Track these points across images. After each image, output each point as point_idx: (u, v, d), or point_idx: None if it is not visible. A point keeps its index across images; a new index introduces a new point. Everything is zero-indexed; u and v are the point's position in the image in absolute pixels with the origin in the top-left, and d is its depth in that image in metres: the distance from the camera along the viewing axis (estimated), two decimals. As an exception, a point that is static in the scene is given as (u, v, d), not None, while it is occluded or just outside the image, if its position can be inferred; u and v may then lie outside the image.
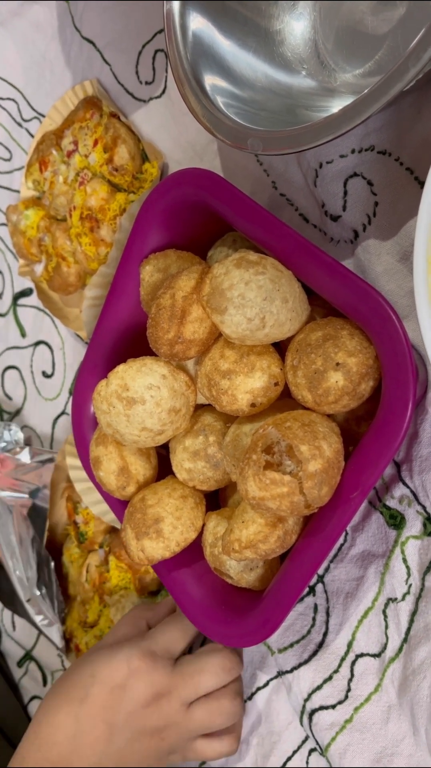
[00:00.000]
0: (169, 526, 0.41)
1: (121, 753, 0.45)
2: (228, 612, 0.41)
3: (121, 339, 0.46)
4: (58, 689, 0.47)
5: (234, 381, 0.37)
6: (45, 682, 0.68)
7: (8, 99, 0.66)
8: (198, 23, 0.40)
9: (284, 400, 0.39)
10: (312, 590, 0.46)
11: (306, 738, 0.46)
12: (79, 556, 0.61)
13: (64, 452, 0.60)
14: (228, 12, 0.40)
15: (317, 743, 0.45)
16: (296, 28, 0.41)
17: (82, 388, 0.48)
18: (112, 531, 0.58)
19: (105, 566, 0.58)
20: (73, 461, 0.58)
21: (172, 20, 0.40)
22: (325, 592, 0.45)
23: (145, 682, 0.45)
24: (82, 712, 0.45)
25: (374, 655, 0.43)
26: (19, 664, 0.71)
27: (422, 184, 0.38)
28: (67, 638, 0.62)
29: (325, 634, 0.45)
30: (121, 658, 0.45)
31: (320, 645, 0.45)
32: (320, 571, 0.45)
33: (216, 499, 0.47)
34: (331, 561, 0.45)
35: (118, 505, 0.46)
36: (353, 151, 0.41)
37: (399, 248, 0.40)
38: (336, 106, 0.38)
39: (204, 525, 0.42)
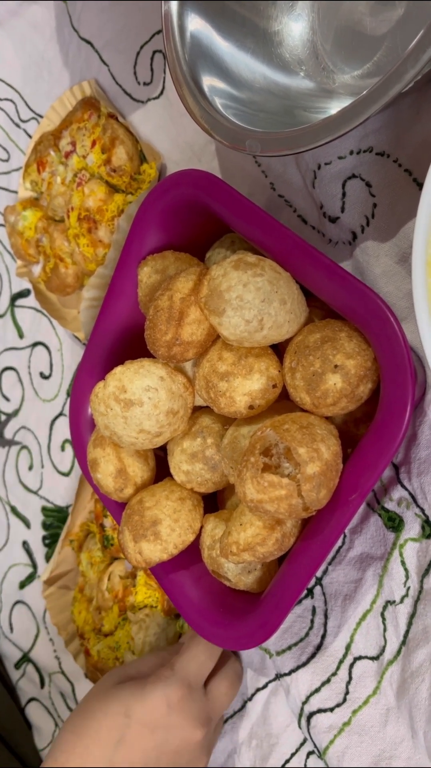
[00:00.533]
0: (166, 528, 0.41)
1: None
2: (226, 614, 0.41)
3: (119, 340, 0.46)
4: (81, 728, 0.41)
5: (232, 383, 0.37)
6: (42, 684, 0.68)
7: (6, 99, 0.65)
8: (196, 24, 0.40)
9: (282, 402, 0.39)
10: (310, 593, 0.45)
11: (305, 740, 0.46)
12: (101, 561, 0.58)
13: None
14: (227, 13, 0.40)
15: (315, 746, 0.45)
16: (294, 29, 0.41)
17: (80, 390, 0.48)
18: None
19: (131, 580, 0.55)
20: None
21: (170, 21, 0.40)
22: (323, 594, 0.45)
23: (187, 718, 0.41)
24: (118, 757, 0.40)
25: (372, 658, 0.42)
26: (17, 666, 0.71)
27: (420, 185, 0.38)
28: (80, 635, 0.60)
29: (323, 637, 0.44)
30: (157, 695, 0.41)
31: (318, 647, 0.45)
32: (318, 573, 0.45)
33: (214, 502, 0.46)
34: (329, 563, 0.44)
35: (116, 507, 0.46)
36: (351, 153, 0.41)
37: (397, 250, 0.40)
38: (335, 107, 0.38)
39: (202, 527, 0.42)
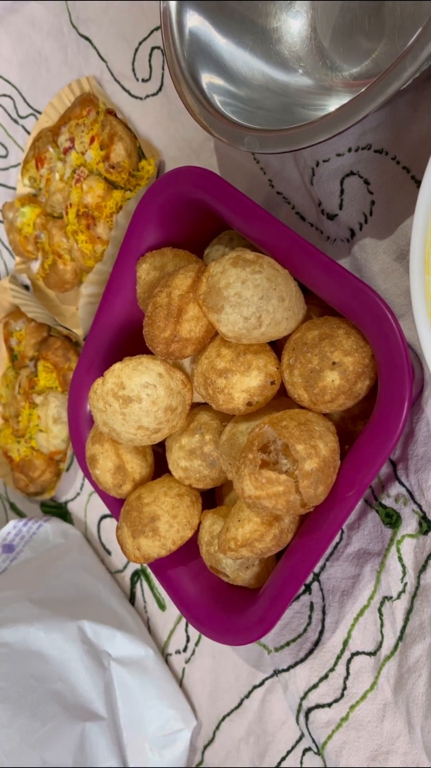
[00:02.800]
0: (165, 524, 0.41)
1: None
2: (224, 610, 0.41)
3: (118, 337, 0.46)
4: None
5: (230, 380, 0.37)
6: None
7: (4, 95, 0.65)
8: (194, 21, 0.40)
9: (280, 399, 0.39)
10: (308, 588, 0.46)
11: (301, 737, 0.46)
12: (14, 378, 0.64)
13: (1, 285, 0.64)
14: (225, 10, 0.40)
15: (313, 741, 0.45)
16: (293, 26, 0.41)
17: (78, 387, 0.48)
18: (43, 341, 0.61)
19: (33, 370, 0.62)
20: (14, 288, 0.61)
21: (168, 18, 0.40)
22: (321, 590, 0.45)
23: None
24: None
25: (369, 654, 0.43)
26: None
27: (418, 183, 0.38)
28: (4, 453, 0.66)
29: (321, 633, 0.45)
30: None
31: (316, 643, 0.45)
32: (316, 569, 0.45)
33: (213, 498, 0.47)
34: (327, 559, 0.45)
35: (114, 503, 0.46)
36: (350, 150, 0.41)
37: (395, 247, 0.40)
38: (333, 104, 0.39)
39: (200, 523, 0.42)
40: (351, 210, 0.41)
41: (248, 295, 0.34)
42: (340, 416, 0.39)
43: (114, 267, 0.45)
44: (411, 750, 0.40)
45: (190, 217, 0.42)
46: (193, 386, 0.40)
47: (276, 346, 0.39)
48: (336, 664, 0.44)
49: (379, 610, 0.42)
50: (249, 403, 0.38)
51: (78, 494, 0.63)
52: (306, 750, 0.46)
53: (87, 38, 0.56)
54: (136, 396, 0.38)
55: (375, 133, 0.40)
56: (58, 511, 0.65)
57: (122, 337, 0.46)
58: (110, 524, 0.61)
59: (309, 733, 0.45)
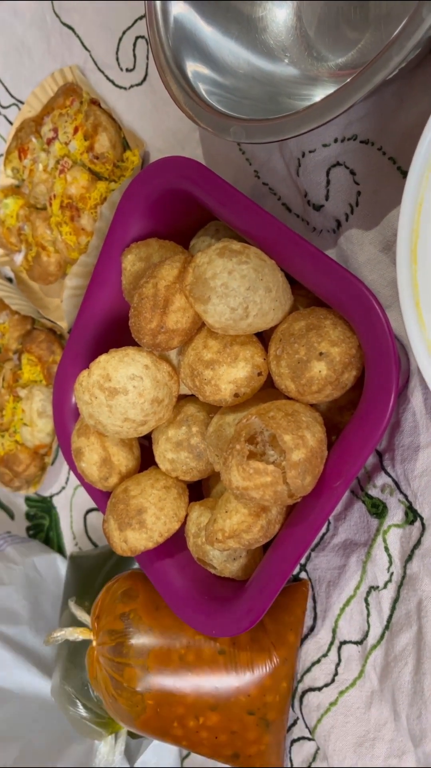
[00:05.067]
0: (152, 516, 0.41)
1: None
2: (212, 602, 0.41)
3: (103, 329, 0.46)
4: None
5: (217, 371, 0.37)
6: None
7: (-14, 85, 0.64)
8: (179, 9, 0.40)
9: (267, 390, 0.39)
10: (296, 579, 0.46)
11: (295, 722, 0.47)
12: None
13: None
14: (211, -2, 0.40)
15: (306, 725, 0.45)
16: (279, 15, 0.41)
17: (63, 379, 0.48)
18: (26, 334, 0.61)
19: (18, 363, 0.61)
20: None
21: (153, 6, 0.39)
22: (309, 580, 0.45)
23: None
24: None
25: (356, 643, 0.43)
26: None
27: (405, 173, 0.38)
28: None
29: (315, 619, 0.45)
30: None
31: (311, 629, 0.45)
32: (302, 560, 0.45)
33: (200, 490, 0.47)
34: (313, 550, 0.45)
35: (101, 496, 0.46)
36: (336, 141, 0.41)
37: (381, 238, 0.40)
38: (319, 94, 0.38)
39: (187, 515, 0.42)
40: (337, 201, 0.41)
41: (235, 285, 0.34)
42: (327, 407, 0.39)
43: (99, 258, 0.45)
44: (396, 737, 0.41)
45: (176, 207, 0.42)
46: (180, 378, 0.40)
47: (263, 337, 0.39)
48: (329, 650, 0.44)
49: (366, 600, 0.42)
50: (236, 395, 0.37)
51: (63, 488, 0.63)
52: (294, 741, 0.47)
53: (70, 27, 0.56)
54: (122, 388, 0.37)
55: (361, 123, 0.40)
56: (44, 504, 0.65)
57: (107, 328, 0.46)
58: (96, 517, 0.60)
59: (303, 717, 0.45)
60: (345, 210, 0.41)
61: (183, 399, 0.43)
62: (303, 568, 0.45)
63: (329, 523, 0.44)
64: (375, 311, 0.33)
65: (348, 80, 0.31)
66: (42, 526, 0.66)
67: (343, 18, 0.39)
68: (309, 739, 0.46)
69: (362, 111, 0.40)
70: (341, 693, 0.43)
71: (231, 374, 0.37)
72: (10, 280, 0.66)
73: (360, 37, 0.38)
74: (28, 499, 0.67)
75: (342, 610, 0.44)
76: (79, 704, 0.50)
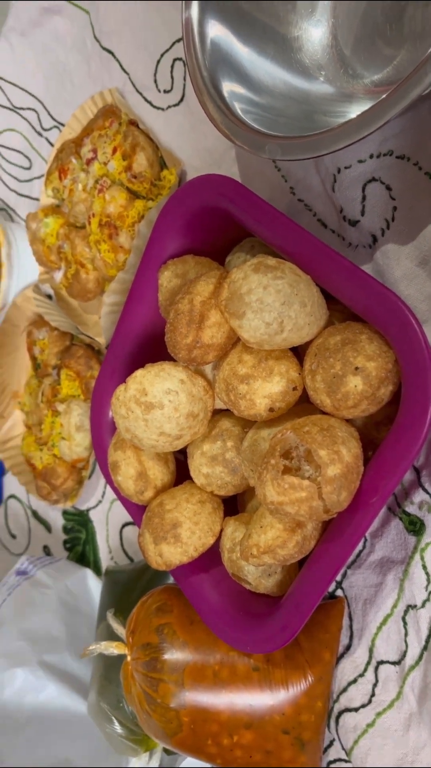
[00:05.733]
0: (187, 531, 0.41)
1: None
2: (247, 617, 0.41)
3: (140, 344, 0.47)
4: None
5: (252, 386, 0.37)
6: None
7: (28, 108, 0.66)
8: (216, 31, 0.40)
9: (303, 404, 0.39)
10: (332, 597, 0.45)
11: (331, 743, 0.46)
12: (37, 386, 0.65)
13: (24, 295, 0.65)
14: (247, 20, 0.41)
15: (342, 746, 0.44)
16: (314, 34, 0.42)
17: (101, 393, 0.48)
18: (65, 350, 0.62)
19: (56, 378, 0.62)
20: (37, 297, 0.62)
21: (190, 28, 0.40)
22: (345, 597, 0.45)
23: None
24: None
25: (394, 663, 0.42)
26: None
27: (441, 188, 0.38)
28: (27, 461, 0.67)
29: (351, 638, 0.44)
30: None
31: (347, 648, 0.44)
32: (338, 577, 0.45)
33: (235, 505, 0.47)
34: (349, 567, 0.44)
35: (136, 510, 0.46)
36: (371, 156, 0.41)
37: (418, 253, 0.40)
38: (355, 111, 0.39)
39: (222, 530, 0.42)
40: (373, 216, 0.41)
41: (270, 300, 0.34)
42: (363, 422, 0.39)
43: (136, 275, 0.45)
44: (436, 762, 0.40)
45: (212, 225, 0.43)
46: (215, 392, 0.41)
47: (298, 352, 0.39)
48: (365, 669, 0.43)
49: (403, 619, 0.42)
50: (271, 409, 0.38)
51: (100, 502, 0.64)
52: (332, 762, 0.46)
53: (109, 51, 0.57)
54: (158, 402, 0.38)
55: (397, 139, 0.40)
56: (80, 518, 0.66)
57: (144, 344, 0.47)
58: (132, 532, 0.61)
59: (339, 738, 0.45)
60: (381, 225, 0.41)
61: (217, 413, 0.43)
62: (339, 585, 0.45)
63: (365, 539, 0.44)
64: (412, 325, 0.33)
65: (384, 96, 0.31)
66: (78, 539, 0.66)
67: (379, 35, 0.40)
68: (345, 761, 0.45)
69: (398, 127, 0.40)
70: (378, 714, 0.43)
71: (267, 389, 0.37)
72: (49, 297, 0.67)
73: (396, 53, 0.38)
74: (65, 513, 0.67)
75: (379, 628, 0.43)
76: (115, 721, 0.50)
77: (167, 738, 0.45)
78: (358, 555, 0.44)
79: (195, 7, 0.40)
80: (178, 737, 0.44)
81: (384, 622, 0.43)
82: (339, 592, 0.45)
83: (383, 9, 0.39)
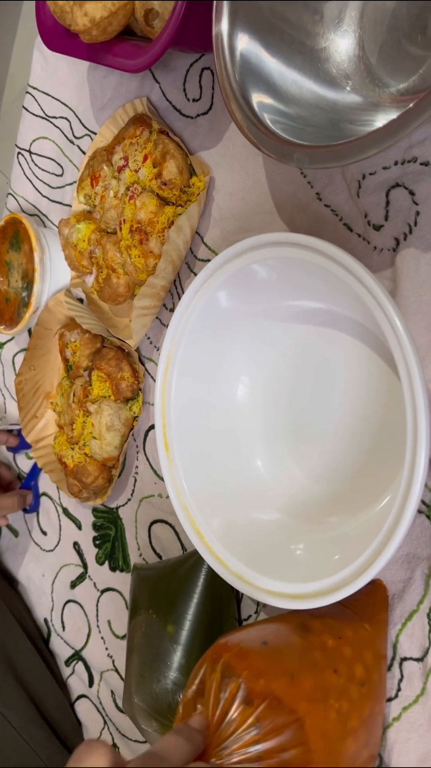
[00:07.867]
0: None
1: None
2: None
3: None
4: None
5: None
6: (91, 683, 0.70)
7: (61, 117, 0.68)
8: (245, 43, 0.42)
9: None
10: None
11: None
12: (69, 387, 0.68)
13: (57, 299, 0.67)
14: (275, 32, 0.42)
15: None
16: (341, 45, 0.43)
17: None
18: (96, 352, 0.64)
19: (87, 379, 0.65)
20: (69, 301, 0.65)
21: (220, 41, 0.41)
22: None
23: None
24: None
25: (417, 660, 0.43)
26: (67, 663, 0.73)
27: (465, 193, 0.39)
28: (59, 460, 0.69)
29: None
30: None
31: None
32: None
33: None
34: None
35: None
36: (396, 163, 0.42)
37: (441, 257, 0.40)
38: (381, 120, 0.40)
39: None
40: (396, 221, 0.42)
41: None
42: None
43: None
44: (461, 756, 0.40)
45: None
46: None
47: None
48: (391, 664, 0.44)
49: (428, 616, 0.42)
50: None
51: (129, 500, 0.65)
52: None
53: (140, 61, 0.59)
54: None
55: (422, 146, 0.41)
56: (110, 515, 0.67)
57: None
58: (160, 529, 0.62)
59: None
60: (404, 230, 0.42)
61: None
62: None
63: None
64: None
65: (410, 106, 0.32)
66: (108, 536, 0.68)
67: (405, 45, 0.40)
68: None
69: (422, 135, 0.41)
70: (404, 709, 0.43)
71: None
72: (81, 300, 0.69)
73: (421, 63, 0.39)
74: (95, 510, 0.69)
75: (404, 625, 0.44)
76: (150, 718, 0.51)
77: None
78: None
79: (225, 22, 0.41)
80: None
81: (410, 618, 0.43)
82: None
83: (409, 19, 0.40)
